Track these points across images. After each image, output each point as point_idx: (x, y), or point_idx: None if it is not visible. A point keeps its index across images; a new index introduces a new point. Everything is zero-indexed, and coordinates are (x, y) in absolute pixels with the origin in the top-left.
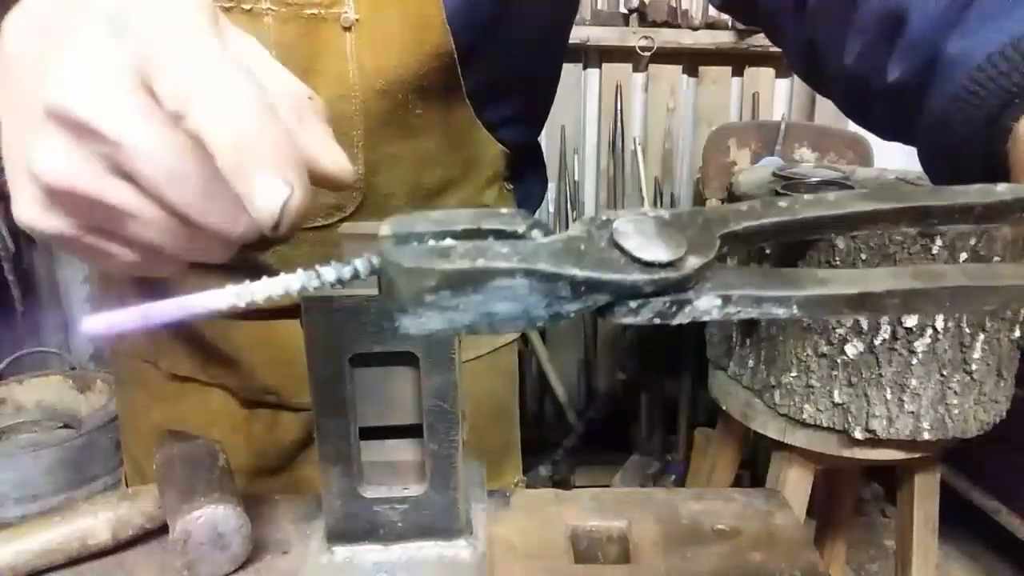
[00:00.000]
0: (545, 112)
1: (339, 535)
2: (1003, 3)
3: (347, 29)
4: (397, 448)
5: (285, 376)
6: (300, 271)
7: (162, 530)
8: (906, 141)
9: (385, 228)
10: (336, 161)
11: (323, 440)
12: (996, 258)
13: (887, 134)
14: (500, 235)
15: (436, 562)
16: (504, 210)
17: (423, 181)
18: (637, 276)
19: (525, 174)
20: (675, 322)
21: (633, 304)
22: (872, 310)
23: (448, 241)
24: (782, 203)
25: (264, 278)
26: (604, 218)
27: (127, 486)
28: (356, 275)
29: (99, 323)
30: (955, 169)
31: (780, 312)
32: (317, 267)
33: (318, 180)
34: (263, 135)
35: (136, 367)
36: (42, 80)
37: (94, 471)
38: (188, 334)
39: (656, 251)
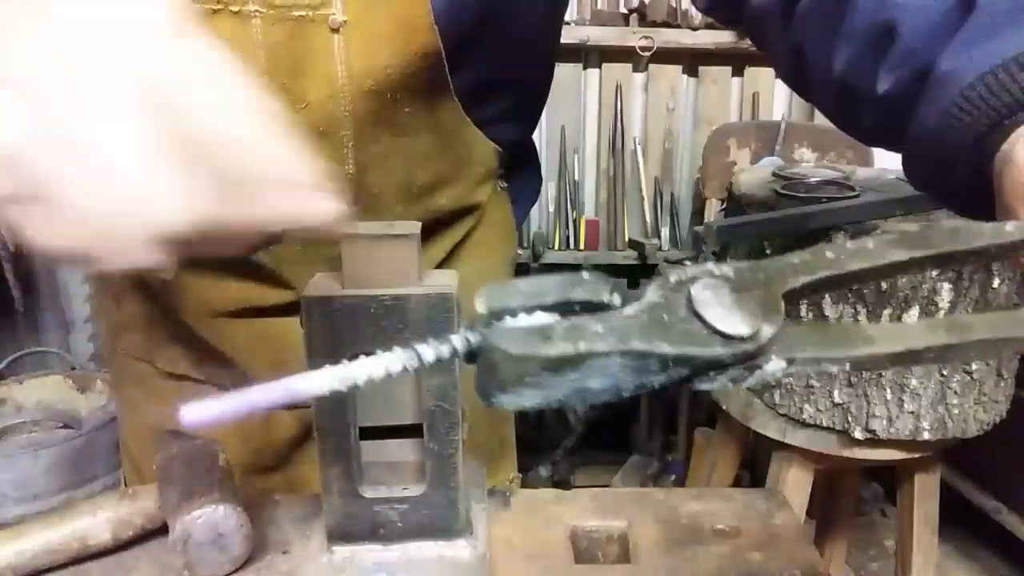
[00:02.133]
0: (538, 111)
1: (339, 535)
2: (995, 22)
3: (335, 30)
4: (397, 448)
5: (281, 374)
6: (399, 350)
7: (162, 530)
8: (890, 148)
9: (480, 304)
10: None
11: (323, 440)
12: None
13: (873, 141)
14: (587, 307)
15: (436, 562)
16: (586, 275)
17: (415, 179)
18: (720, 350)
19: (519, 172)
20: (746, 385)
21: (712, 374)
22: (911, 363)
23: (540, 316)
24: (829, 254)
25: (362, 357)
26: (676, 280)
27: (126, 485)
28: (455, 353)
29: (199, 412)
30: (945, 182)
31: (834, 369)
32: (416, 346)
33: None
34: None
35: (133, 366)
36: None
37: (94, 471)
38: (184, 333)
39: (736, 323)
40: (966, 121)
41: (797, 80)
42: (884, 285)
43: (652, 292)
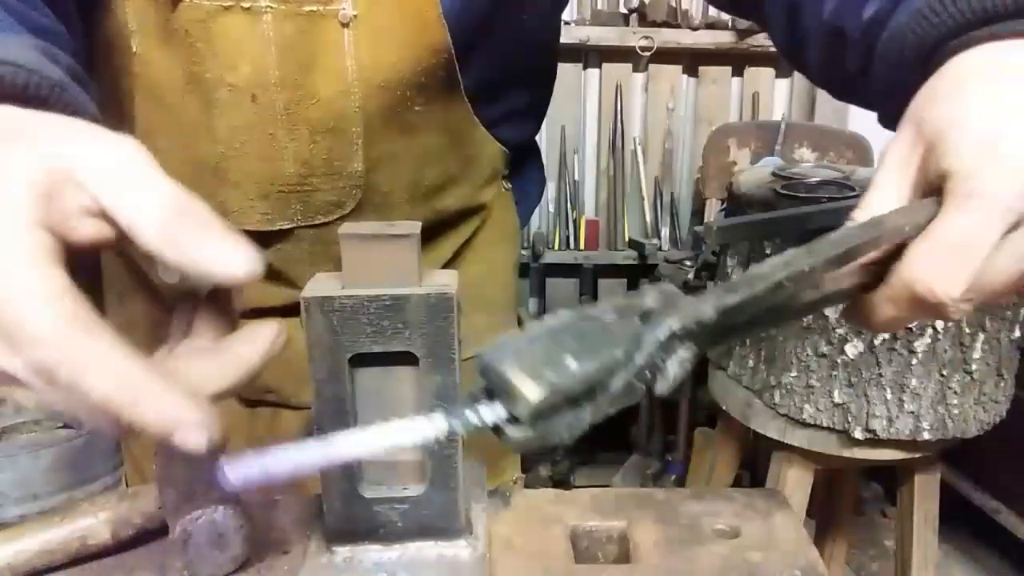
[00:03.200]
0: (542, 111)
1: (339, 535)
2: None
3: (345, 25)
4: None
5: (285, 375)
6: (437, 415)
7: (162, 530)
8: (871, 101)
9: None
10: (235, 260)
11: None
12: None
13: (854, 94)
14: None
15: (436, 562)
16: None
17: (423, 179)
18: None
19: (523, 173)
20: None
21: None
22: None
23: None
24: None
25: (410, 416)
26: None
27: (127, 486)
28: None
29: (241, 472)
30: (902, 90)
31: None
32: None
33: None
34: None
35: None
36: None
37: (94, 471)
38: None
39: None
40: (934, 21)
41: (790, 40)
42: None
43: None
